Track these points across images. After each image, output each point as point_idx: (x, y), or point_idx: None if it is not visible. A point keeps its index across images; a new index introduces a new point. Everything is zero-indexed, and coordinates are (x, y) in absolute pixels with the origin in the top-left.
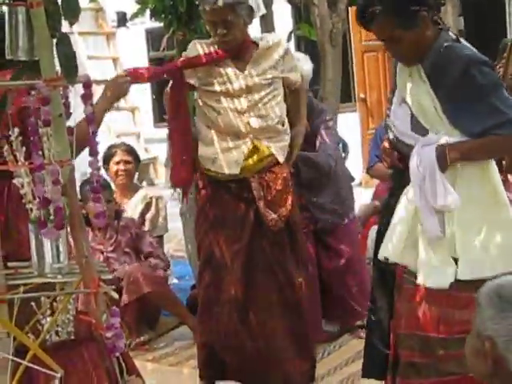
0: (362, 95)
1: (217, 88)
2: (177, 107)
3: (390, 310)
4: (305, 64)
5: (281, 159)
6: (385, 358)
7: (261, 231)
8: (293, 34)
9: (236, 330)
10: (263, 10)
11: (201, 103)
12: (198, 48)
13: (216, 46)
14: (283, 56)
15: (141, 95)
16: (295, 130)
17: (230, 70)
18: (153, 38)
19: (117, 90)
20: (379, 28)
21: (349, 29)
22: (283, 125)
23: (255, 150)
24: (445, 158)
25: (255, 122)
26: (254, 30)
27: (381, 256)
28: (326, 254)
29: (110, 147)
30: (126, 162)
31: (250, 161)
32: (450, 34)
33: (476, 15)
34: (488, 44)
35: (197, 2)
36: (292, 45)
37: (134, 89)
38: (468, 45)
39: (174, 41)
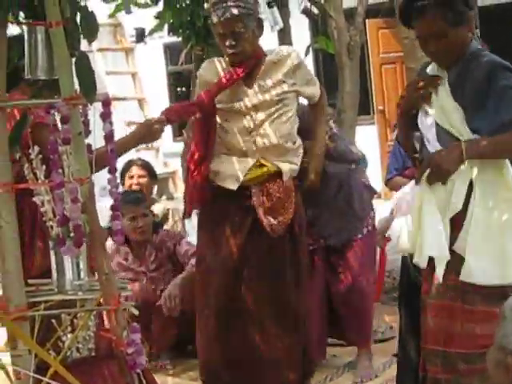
0: (380, 107)
1: (225, 106)
2: (207, 135)
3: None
4: None
5: (285, 176)
6: (416, 373)
7: (258, 239)
8: (311, 48)
9: (224, 339)
10: (281, 25)
11: None
12: (211, 68)
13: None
14: (294, 69)
15: (159, 110)
16: (311, 154)
17: (239, 88)
18: (171, 52)
19: (149, 134)
20: (427, 21)
21: (366, 41)
22: (294, 143)
23: (261, 166)
24: (460, 154)
25: (261, 142)
26: (271, 44)
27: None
28: (332, 274)
29: (127, 162)
30: (140, 177)
31: (253, 174)
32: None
33: (494, 26)
34: (507, 54)
35: None
36: (310, 58)
37: (153, 104)
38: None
39: (191, 55)
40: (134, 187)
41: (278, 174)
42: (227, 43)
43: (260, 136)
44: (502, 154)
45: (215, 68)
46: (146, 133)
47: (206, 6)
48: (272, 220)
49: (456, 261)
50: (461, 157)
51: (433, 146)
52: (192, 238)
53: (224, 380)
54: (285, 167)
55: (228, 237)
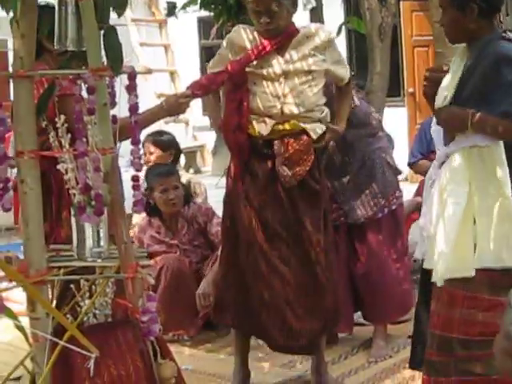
0: (410, 90)
1: (255, 70)
2: (240, 103)
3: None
4: None
5: (313, 135)
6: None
7: (277, 187)
8: (344, 28)
9: (253, 279)
10: (313, 3)
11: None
12: (242, 34)
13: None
14: (326, 45)
15: (190, 80)
16: (331, 127)
17: (270, 55)
18: (204, 26)
19: (175, 107)
20: None
21: (400, 23)
22: (321, 113)
23: (287, 122)
24: (466, 121)
25: (290, 108)
26: (303, 22)
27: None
28: (352, 250)
29: (144, 137)
30: (150, 153)
31: (280, 126)
32: (509, 34)
33: None
34: None
35: None
36: (342, 38)
37: (184, 77)
38: None
39: (223, 30)
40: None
41: (300, 132)
42: (262, 20)
43: (286, 104)
44: (501, 136)
45: (246, 34)
46: (172, 106)
47: None
48: (287, 170)
49: None
50: (466, 124)
51: None
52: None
53: (236, 319)
54: (311, 127)
55: (254, 189)
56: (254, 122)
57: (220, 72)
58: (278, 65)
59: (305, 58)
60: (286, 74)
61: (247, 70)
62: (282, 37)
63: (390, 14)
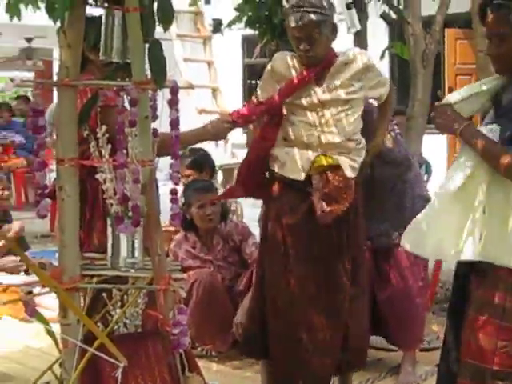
0: None
1: (294, 101)
2: (270, 133)
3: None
4: None
5: (348, 173)
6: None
7: (312, 223)
8: (387, 52)
9: (279, 315)
10: (358, 27)
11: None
12: (289, 61)
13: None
14: (364, 72)
15: (232, 101)
16: (372, 142)
17: (308, 85)
18: (248, 44)
19: (217, 132)
20: (496, 20)
21: (443, 50)
22: (357, 143)
23: (323, 157)
24: (456, 129)
25: (325, 138)
26: (347, 45)
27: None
28: (379, 275)
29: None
30: (184, 176)
31: (316, 164)
32: None
33: None
34: None
35: None
36: (386, 63)
37: (226, 95)
38: None
39: (266, 50)
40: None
41: (340, 168)
42: (301, 47)
43: (324, 133)
44: (485, 160)
45: (287, 62)
46: (218, 130)
47: (284, 2)
48: (325, 206)
49: (498, 277)
50: (455, 132)
51: None
52: (255, 230)
53: (258, 348)
54: (345, 161)
55: (290, 221)
56: (289, 164)
57: (260, 103)
58: (315, 94)
59: (343, 87)
60: (324, 104)
61: (286, 100)
62: (321, 65)
63: (434, 41)
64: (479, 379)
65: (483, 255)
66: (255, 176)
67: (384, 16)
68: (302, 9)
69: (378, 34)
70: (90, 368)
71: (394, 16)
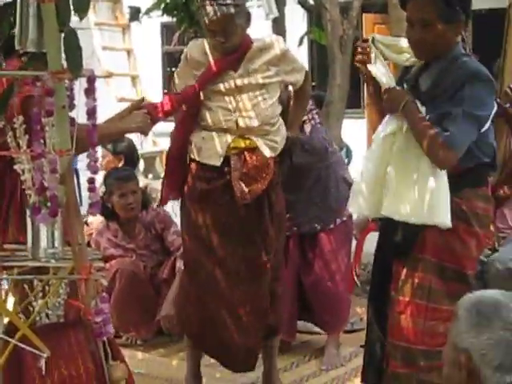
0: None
1: (210, 86)
2: (190, 123)
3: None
4: None
5: (266, 153)
6: (380, 367)
7: (234, 205)
8: (306, 38)
9: (206, 296)
10: (275, 13)
11: None
12: (206, 47)
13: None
14: (279, 58)
15: (151, 89)
16: (288, 127)
17: (225, 70)
18: (167, 32)
19: (142, 129)
20: (420, 5)
21: (362, 35)
22: (273, 126)
23: (241, 139)
24: (399, 105)
25: (243, 122)
26: (265, 31)
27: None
28: (304, 260)
29: None
30: (102, 157)
31: (233, 144)
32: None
33: (484, 30)
34: (494, 57)
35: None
36: (305, 48)
37: (146, 82)
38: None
39: (184, 37)
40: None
41: (257, 149)
42: (217, 38)
43: (242, 117)
44: (414, 134)
45: (203, 49)
46: (140, 127)
47: None
48: (244, 186)
49: (418, 259)
50: (398, 107)
51: None
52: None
53: (194, 329)
54: (263, 142)
55: (209, 206)
56: (205, 148)
57: (178, 94)
58: (232, 80)
59: (258, 72)
60: (240, 89)
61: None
62: (237, 52)
63: (352, 26)
64: (410, 360)
65: (385, 210)
66: (181, 166)
67: (302, 2)
68: (216, 2)
69: (296, 20)
70: (13, 359)
71: (311, 2)
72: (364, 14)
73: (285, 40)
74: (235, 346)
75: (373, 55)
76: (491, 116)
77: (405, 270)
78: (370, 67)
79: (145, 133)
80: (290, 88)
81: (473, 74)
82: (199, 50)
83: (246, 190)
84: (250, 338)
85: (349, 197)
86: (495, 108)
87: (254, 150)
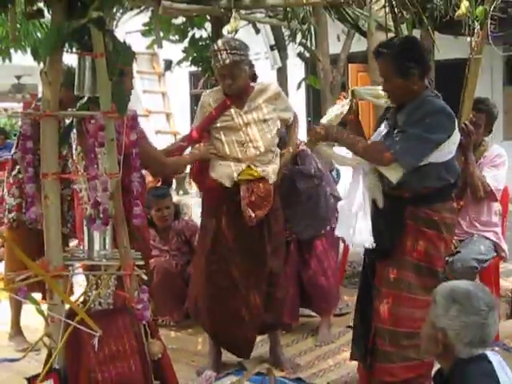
0: None
1: (222, 124)
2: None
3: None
4: None
5: (270, 180)
6: (366, 345)
7: (241, 223)
8: (304, 83)
9: (214, 296)
10: (279, 64)
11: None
12: (213, 96)
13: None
14: (275, 97)
15: (182, 123)
16: (283, 152)
17: (232, 110)
18: (194, 78)
19: (203, 154)
20: (380, 64)
21: (347, 81)
22: (275, 154)
23: (249, 170)
24: (330, 134)
25: (252, 152)
26: (271, 79)
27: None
28: (302, 260)
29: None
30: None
31: (243, 176)
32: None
33: (445, 77)
34: (452, 101)
35: None
36: (303, 92)
37: (177, 119)
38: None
39: (208, 83)
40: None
41: (263, 179)
42: (226, 82)
43: (251, 147)
44: (351, 149)
45: (212, 97)
46: (202, 153)
47: (213, 46)
48: (251, 212)
49: (404, 260)
50: (331, 137)
51: None
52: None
53: (202, 314)
54: (269, 170)
55: (220, 220)
56: (221, 172)
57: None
58: (239, 116)
59: (260, 108)
60: (248, 124)
61: (215, 125)
62: (241, 93)
63: (340, 74)
64: (394, 340)
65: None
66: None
67: (300, 55)
68: (224, 52)
69: (296, 69)
70: (73, 338)
71: (307, 55)
72: (349, 64)
73: (286, 85)
74: (237, 337)
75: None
76: (447, 142)
77: (389, 269)
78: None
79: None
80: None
81: (437, 108)
82: (209, 99)
83: (253, 215)
84: (248, 331)
85: (336, 209)
86: (457, 139)
87: (259, 181)
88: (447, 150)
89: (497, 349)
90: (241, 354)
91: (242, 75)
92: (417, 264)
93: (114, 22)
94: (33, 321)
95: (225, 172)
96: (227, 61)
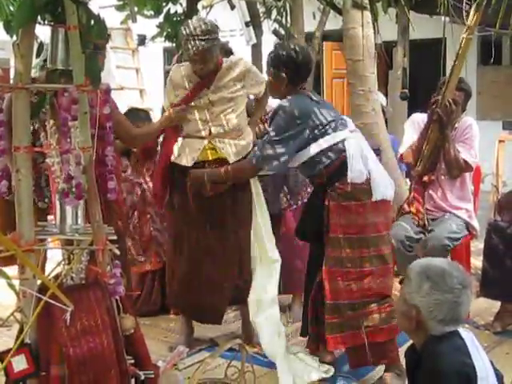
0: None
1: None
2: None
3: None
4: None
5: (230, 160)
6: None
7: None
8: None
9: (189, 269)
10: (254, 40)
11: None
12: (182, 71)
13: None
14: (244, 74)
15: (155, 100)
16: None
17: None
18: (168, 54)
19: (176, 118)
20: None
21: (322, 59)
22: (241, 132)
23: (212, 148)
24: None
25: (215, 130)
26: (246, 55)
27: None
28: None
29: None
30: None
31: (206, 154)
32: (309, 94)
33: (420, 56)
34: (426, 80)
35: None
36: None
37: (150, 93)
38: (300, 98)
39: (181, 59)
40: None
41: (223, 160)
42: (197, 66)
43: (215, 126)
44: (235, 177)
45: (181, 73)
46: (175, 117)
47: (182, 30)
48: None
49: (328, 238)
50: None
51: None
52: None
53: (180, 294)
54: (230, 150)
55: (187, 200)
56: (183, 154)
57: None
58: (206, 96)
59: (226, 87)
60: (213, 103)
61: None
62: (210, 73)
63: (314, 52)
64: (338, 312)
65: None
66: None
67: (275, 32)
68: (196, 37)
69: (271, 46)
70: (44, 313)
71: (283, 32)
72: (324, 42)
73: (261, 61)
74: (207, 304)
75: None
76: (295, 134)
77: (325, 248)
78: None
79: (182, 121)
80: (251, 97)
81: (277, 109)
82: (179, 74)
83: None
84: (218, 298)
85: (306, 182)
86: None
87: (218, 162)
88: (319, 143)
89: (467, 326)
90: (211, 320)
91: (213, 59)
92: (347, 238)
93: None
94: (5, 297)
95: (186, 149)
96: (199, 48)
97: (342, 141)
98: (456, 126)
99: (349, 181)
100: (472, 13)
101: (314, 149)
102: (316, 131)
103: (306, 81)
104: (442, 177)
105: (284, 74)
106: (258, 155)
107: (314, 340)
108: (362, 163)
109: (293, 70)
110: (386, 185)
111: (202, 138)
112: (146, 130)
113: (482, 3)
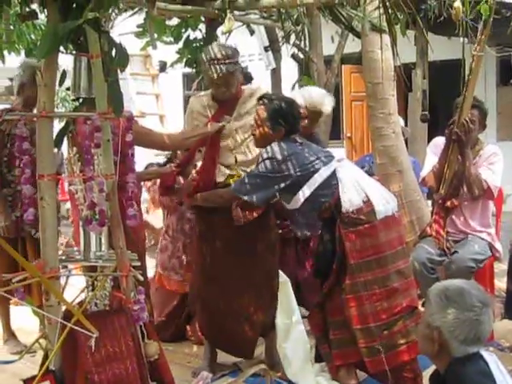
0: (348, 134)
1: None
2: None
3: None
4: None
5: None
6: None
7: (234, 226)
8: (297, 85)
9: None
10: (273, 65)
11: None
12: (203, 101)
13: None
14: None
15: (175, 125)
16: None
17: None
18: (188, 80)
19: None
20: (261, 110)
21: (341, 82)
22: None
23: (238, 176)
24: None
25: (240, 158)
26: (266, 80)
27: None
28: (298, 260)
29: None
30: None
31: (229, 181)
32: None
33: (439, 78)
34: (446, 102)
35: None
36: None
37: (170, 119)
38: (286, 143)
39: (201, 84)
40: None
41: None
42: (220, 90)
43: (239, 153)
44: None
45: (201, 103)
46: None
47: (202, 55)
48: (239, 211)
49: (351, 264)
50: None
51: None
52: None
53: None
54: None
55: (212, 221)
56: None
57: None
58: (229, 124)
59: (249, 114)
60: (237, 130)
61: None
62: (232, 99)
63: (333, 75)
64: (371, 336)
65: None
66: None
67: (294, 56)
68: (218, 62)
69: (290, 70)
70: (69, 339)
71: (301, 56)
72: (343, 65)
73: (280, 86)
74: (237, 338)
75: None
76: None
77: (339, 277)
78: None
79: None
80: None
81: (264, 152)
82: (199, 104)
83: (241, 214)
84: (248, 331)
85: None
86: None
87: None
88: (311, 182)
89: (491, 349)
90: (243, 354)
91: (236, 83)
92: (366, 262)
93: (110, 24)
94: (27, 323)
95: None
96: (223, 71)
97: (333, 173)
98: (480, 153)
99: (344, 211)
100: (480, 29)
101: (309, 187)
102: (305, 171)
103: (299, 132)
104: (465, 202)
105: (283, 128)
106: (238, 182)
107: (329, 360)
108: (354, 190)
109: (291, 123)
110: (387, 200)
111: (228, 166)
112: (187, 131)
113: (489, 20)
